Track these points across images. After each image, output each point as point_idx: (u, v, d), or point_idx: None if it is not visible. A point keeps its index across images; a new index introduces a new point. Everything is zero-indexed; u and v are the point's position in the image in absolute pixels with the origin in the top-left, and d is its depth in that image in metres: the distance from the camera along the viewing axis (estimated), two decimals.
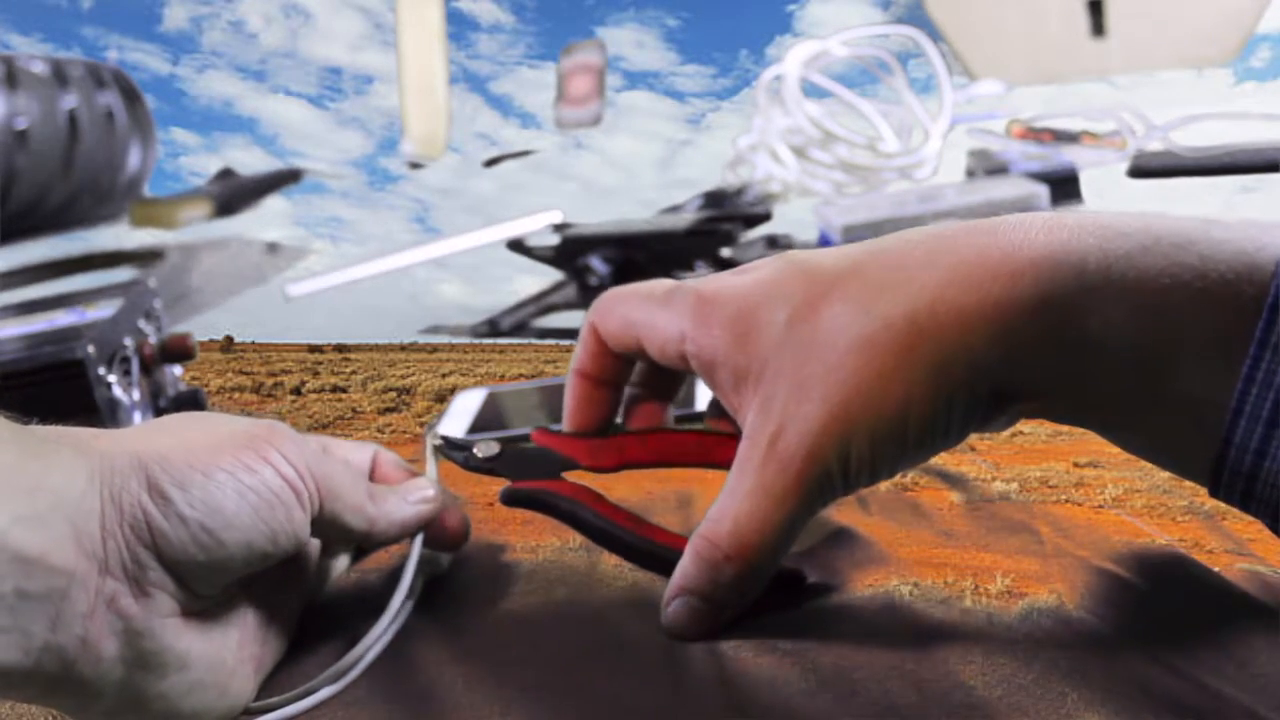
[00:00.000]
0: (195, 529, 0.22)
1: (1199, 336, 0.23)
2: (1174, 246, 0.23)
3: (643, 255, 0.95)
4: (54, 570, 0.20)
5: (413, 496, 0.29)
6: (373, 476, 0.31)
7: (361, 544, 0.30)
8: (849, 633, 0.27)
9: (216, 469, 0.23)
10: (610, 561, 0.33)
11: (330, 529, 0.26)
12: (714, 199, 1.10)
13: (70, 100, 0.90)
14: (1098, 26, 1.21)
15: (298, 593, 0.28)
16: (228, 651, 0.24)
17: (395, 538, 0.29)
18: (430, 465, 0.32)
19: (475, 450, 0.32)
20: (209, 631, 0.24)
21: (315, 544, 0.30)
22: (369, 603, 0.29)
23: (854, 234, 0.94)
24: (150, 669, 0.22)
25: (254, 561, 0.24)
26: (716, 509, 0.27)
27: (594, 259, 0.95)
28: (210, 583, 0.23)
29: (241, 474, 0.23)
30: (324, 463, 0.26)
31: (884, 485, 0.44)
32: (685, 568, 0.27)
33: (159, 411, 0.51)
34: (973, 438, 0.27)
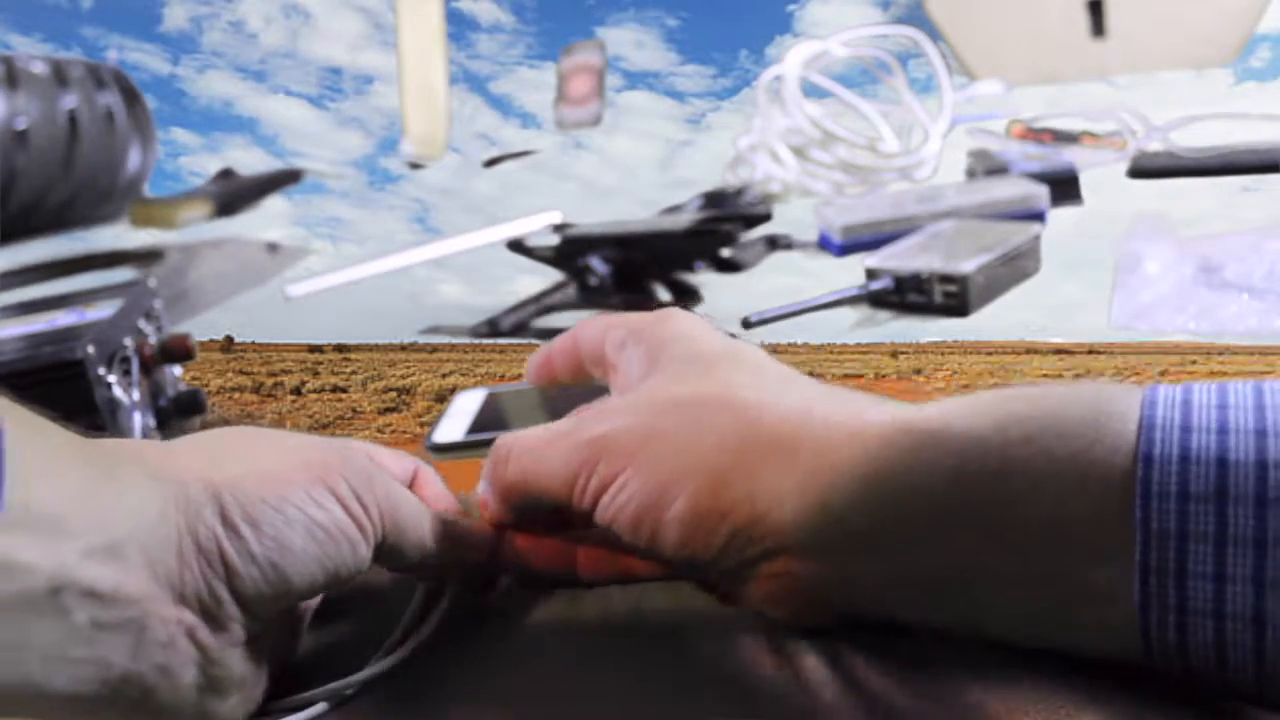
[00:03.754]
0: (265, 565, 0.22)
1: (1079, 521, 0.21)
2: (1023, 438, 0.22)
3: (643, 255, 0.95)
4: (130, 601, 0.20)
5: (473, 540, 0.29)
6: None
7: (412, 573, 0.29)
8: (848, 632, 0.27)
9: (287, 503, 0.23)
10: None
11: (390, 560, 0.26)
12: (714, 199, 1.10)
13: (70, 100, 0.90)
14: (1098, 26, 1.21)
15: (314, 602, 0.29)
16: (263, 664, 0.25)
17: (446, 574, 0.29)
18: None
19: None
20: (257, 650, 0.24)
21: None
22: (371, 602, 0.29)
23: (854, 234, 0.94)
24: (219, 691, 0.22)
25: (315, 593, 0.24)
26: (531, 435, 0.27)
27: (594, 259, 0.95)
28: (271, 611, 0.23)
29: (311, 509, 0.23)
30: (392, 493, 0.26)
31: None
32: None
33: (159, 412, 0.51)
34: None
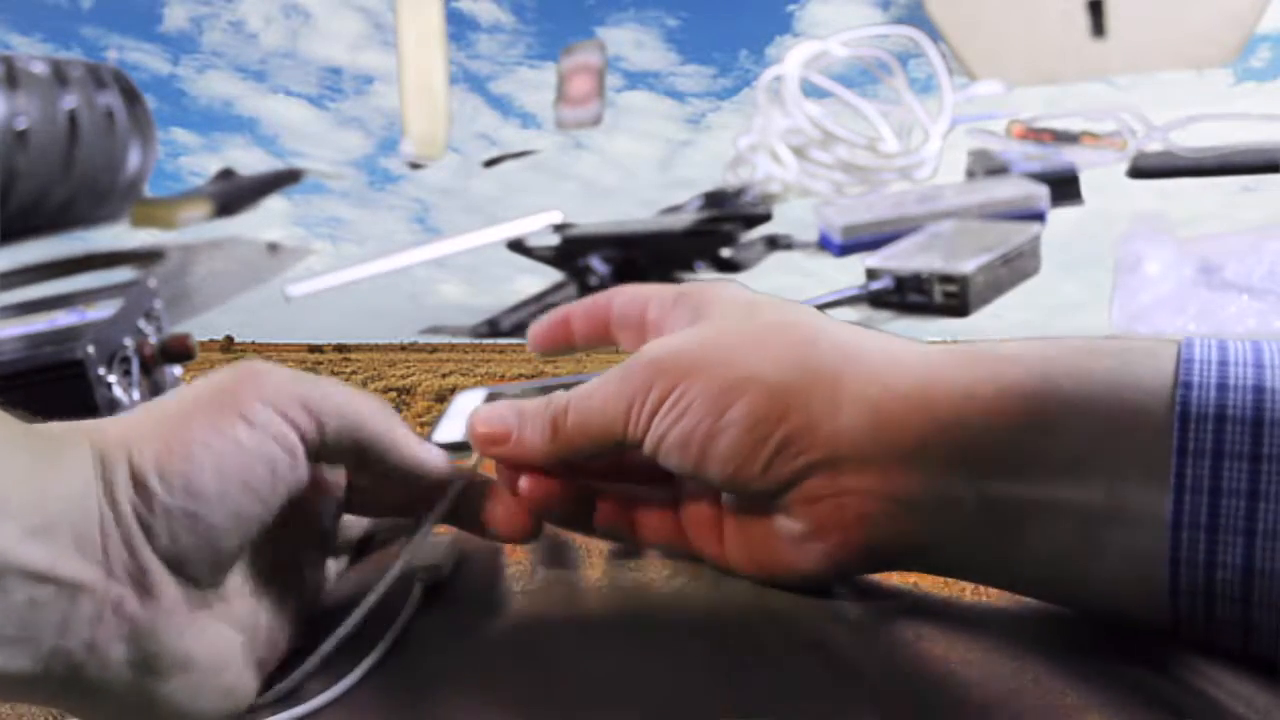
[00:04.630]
0: (179, 518, 0.22)
1: (1116, 453, 0.22)
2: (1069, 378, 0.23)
3: (643, 255, 0.95)
4: (62, 580, 0.20)
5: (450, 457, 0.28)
6: None
7: (413, 486, 0.28)
8: (848, 632, 0.27)
9: (191, 444, 0.22)
10: (612, 558, 0.33)
11: (361, 458, 0.25)
12: (714, 199, 1.10)
13: (70, 100, 0.90)
14: (1098, 26, 1.21)
15: (302, 594, 0.28)
16: (232, 653, 0.24)
17: (447, 480, 0.28)
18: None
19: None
20: (212, 632, 0.23)
21: (319, 545, 0.30)
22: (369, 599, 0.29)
23: (854, 234, 0.94)
24: (156, 671, 0.22)
25: (250, 530, 0.23)
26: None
27: (594, 259, 0.95)
28: (209, 568, 0.23)
29: (216, 441, 0.22)
30: (322, 385, 0.25)
31: None
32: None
33: None
34: None
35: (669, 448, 0.26)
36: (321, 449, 0.24)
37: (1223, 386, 0.22)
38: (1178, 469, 0.21)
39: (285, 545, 0.26)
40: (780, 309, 0.27)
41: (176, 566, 0.22)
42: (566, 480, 0.29)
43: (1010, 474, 0.23)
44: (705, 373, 0.25)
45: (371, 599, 0.27)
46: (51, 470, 0.21)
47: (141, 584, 0.22)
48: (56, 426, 0.23)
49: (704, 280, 0.31)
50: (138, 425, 0.23)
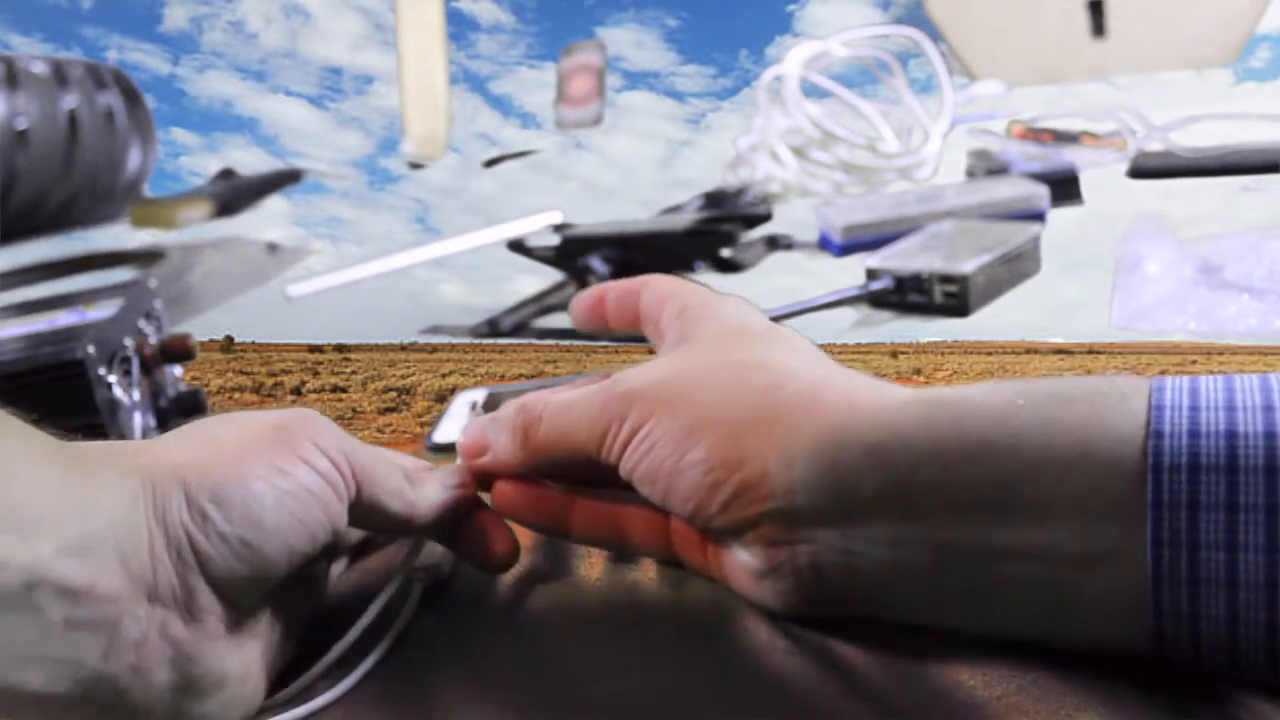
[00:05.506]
0: (236, 544, 0.22)
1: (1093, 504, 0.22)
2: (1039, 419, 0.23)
3: (643, 255, 0.95)
4: (103, 599, 0.20)
5: (450, 481, 0.29)
6: None
7: (400, 530, 0.30)
8: (848, 629, 0.27)
9: (252, 477, 0.23)
10: (612, 558, 0.33)
11: (370, 515, 0.26)
12: (714, 199, 1.10)
13: (70, 100, 0.90)
14: (1098, 27, 1.21)
15: (310, 597, 0.28)
16: (256, 665, 0.24)
17: (434, 523, 0.28)
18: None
19: None
20: (242, 646, 0.24)
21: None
22: (369, 602, 0.29)
23: (854, 234, 0.94)
24: (197, 693, 0.22)
25: (295, 563, 0.24)
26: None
27: (594, 259, 0.95)
28: (251, 594, 0.23)
29: (276, 478, 0.23)
30: (359, 448, 0.26)
31: None
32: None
33: (159, 412, 0.51)
34: None
35: (639, 479, 0.26)
36: (354, 507, 0.25)
37: (1194, 433, 0.21)
38: (1153, 522, 0.21)
39: None
40: (756, 344, 0.27)
41: (224, 591, 0.22)
42: (542, 486, 0.29)
43: (972, 525, 0.23)
44: (672, 409, 0.26)
45: (373, 610, 0.27)
46: (92, 488, 0.21)
47: (188, 608, 0.22)
48: (90, 447, 0.23)
49: (709, 293, 0.31)
50: (188, 453, 0.23)
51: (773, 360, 0.27)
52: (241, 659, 0.23)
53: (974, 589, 0.23)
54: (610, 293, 0.32)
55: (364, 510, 0.26)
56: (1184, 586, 0.21)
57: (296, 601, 0.27)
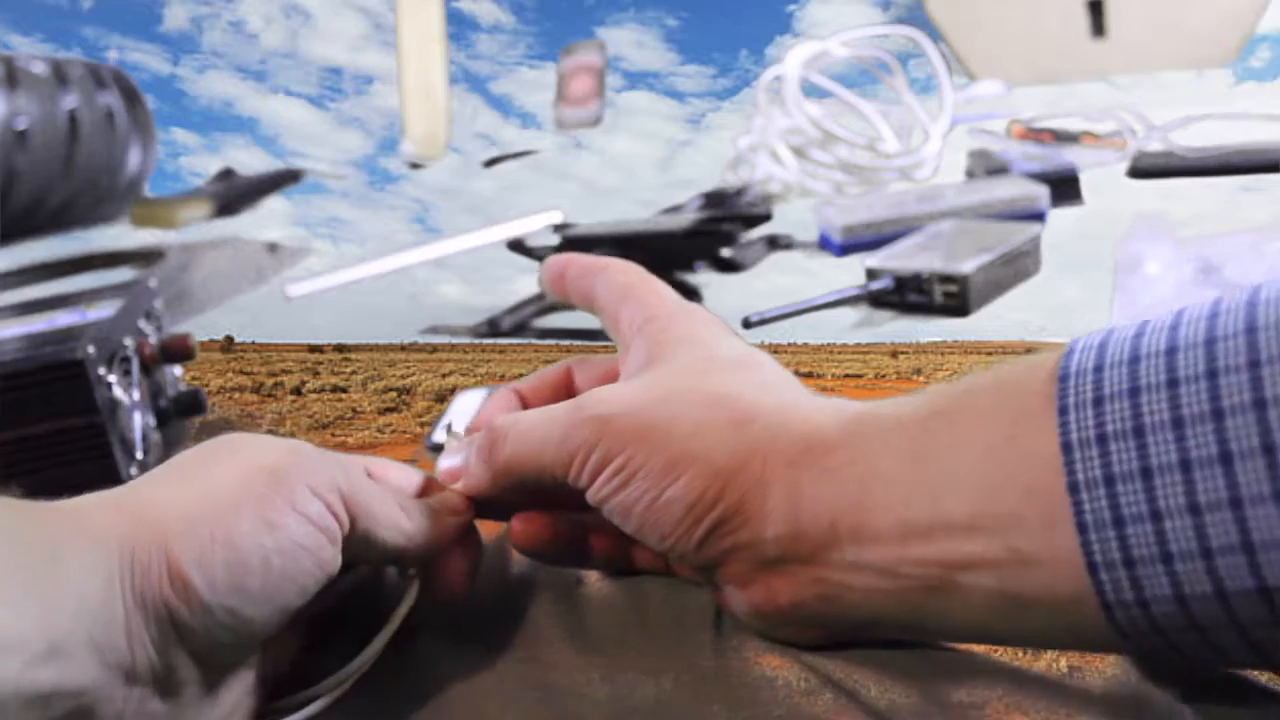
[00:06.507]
0: (220, 614, 0.21)
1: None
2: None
3: (643, 255, 0.95)
4: (75, 694, 0.19)
5: (447, 507, 0.28)
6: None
7: (395, 563, 0.29)
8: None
9: (239, 536, 0.21)
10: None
11: (365, 549, 0.25)
12: (714, 199, 1.10)
13: (70, 100, 0.90)
14: (1098, 26, 1.21)
15: (305, 608, 0.28)
16: (243, 698, 0.24)
17: (432, 555, 0.28)
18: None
19: None
20: (229, 693, 0.23)
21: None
22: (368, 602, 0.29)
23: (854, 234, 0.94)
24: None
25: (285, 619, 0.23)
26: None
27: None
28: (235, 657, 0.23)
29: (265, 537, 0.22)
30: (351, 478, 0.25)
31: None
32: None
33: (159, 412, 0.51)
34: None
35: (611, 510, 0.26)
36: (348, 544, 0.25)
37: (1099, 400, 0.20)
38: (1074, 506, 0.20)
39: None
40: (726, 375, 0.27)
41: (205, 659, 0.22)
42: (556, 516, 0.29)
43: (921, 542, 0.23)
44: (649, 443, 0.25)
45: (383, 637, 0.27)
46: (59, 577, 0.19)
47: (166, 683, 0.21)
48: (59, 512, 0.21)
49: (674, 303, 0.30)
50: (174, 509, 0.22)
51: (745, 394, 0.26)
52: (228, 705, 0.23)
53: (939, 601, 0.23)
54: (571, 267, 0.32)
55: (358, 545, 0.25)
56: (1121, 570, 0.20)
57: (289, 627, 0.26)
